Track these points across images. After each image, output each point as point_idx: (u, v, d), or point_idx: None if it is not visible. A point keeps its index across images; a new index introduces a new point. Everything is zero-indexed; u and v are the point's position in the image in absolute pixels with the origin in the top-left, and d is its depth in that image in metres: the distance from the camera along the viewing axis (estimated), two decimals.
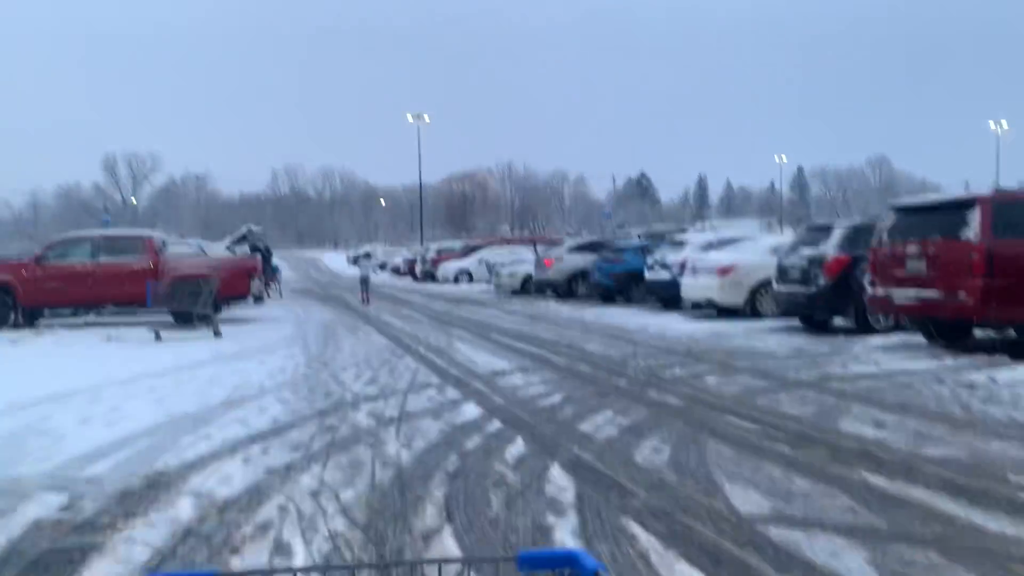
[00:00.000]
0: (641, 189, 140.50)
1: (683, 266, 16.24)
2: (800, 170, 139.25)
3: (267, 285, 25.68)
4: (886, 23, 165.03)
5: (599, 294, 20.36)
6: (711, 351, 10.03)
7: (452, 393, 7.27)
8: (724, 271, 14.28)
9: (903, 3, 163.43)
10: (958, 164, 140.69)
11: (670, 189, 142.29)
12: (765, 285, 14.22)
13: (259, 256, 17.52)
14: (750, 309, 14.27)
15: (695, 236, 17.76)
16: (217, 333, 12.53)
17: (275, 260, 26.57)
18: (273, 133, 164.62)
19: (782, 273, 12.59)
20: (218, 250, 18.68)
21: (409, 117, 63.58)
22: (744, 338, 11.47)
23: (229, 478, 4.59)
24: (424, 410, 6.50)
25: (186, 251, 15.78)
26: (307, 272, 54.37)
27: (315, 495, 4.25)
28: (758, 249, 14.70)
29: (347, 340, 12.20)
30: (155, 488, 4.44)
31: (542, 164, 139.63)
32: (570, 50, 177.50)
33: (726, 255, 14.70)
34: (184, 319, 13.36)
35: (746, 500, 4.10)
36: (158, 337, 12.25)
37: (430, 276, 33.95)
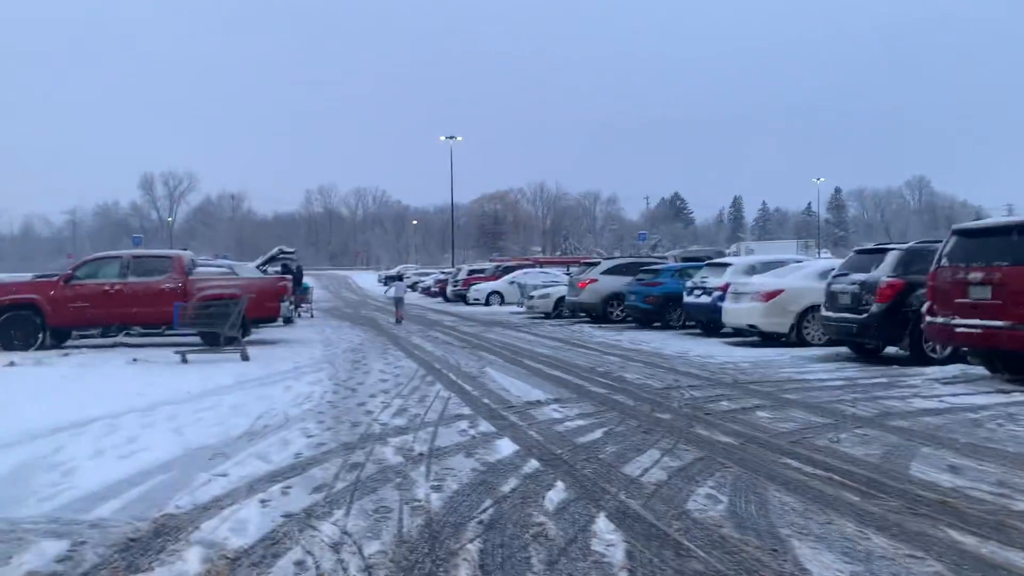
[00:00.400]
0: (675, 209, 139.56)
1: (725, 290, 15.71)
2: (838, 191, 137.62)
3: (298, 306, 25.54)
4: (925, 44, 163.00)
5: (635, 318, 19.84)
6: (759, 382, 9.48)
7: (485, 426, 6.83)
8: (769, 296, 13.71)
9: (941, 25, 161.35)
10: (999, 187, 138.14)
11: (704, 210, 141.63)
12: (812, 311, 13.67)
13: (290, 277, 17.29)
14: (796, 336, 13.67)
15: (737, 259, 17.20)
16: (245, 356, 12.24)
17: (306, 280, 26.37)
18: (308, 154, 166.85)
19: (831, 299, 12.01)
20: (247, 270, 18.48)
21: (442, 137, 63.81)
22: (792, 367, 10.89)
23: (244, 524, 4.20)
24: (456, 446, 6.07)
25: (215, 271, 15.59)
26: (338, 292, 54.43)
27: (336, 547, 3.84)
28: (804, 273, 14.12)
29: (376, 364, 11.83)
30: (163, 535, 4.06)
31: (574, 184, 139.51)
32: (602, 70, 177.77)
33: (771, 279, 14.13)
34: (212, 341, 13.12)
35: (820, 564, 3.60)
36: (184, 360, 12.00)
37: (461, 297, 33.64)
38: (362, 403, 8.20)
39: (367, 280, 75.75)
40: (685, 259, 28.62)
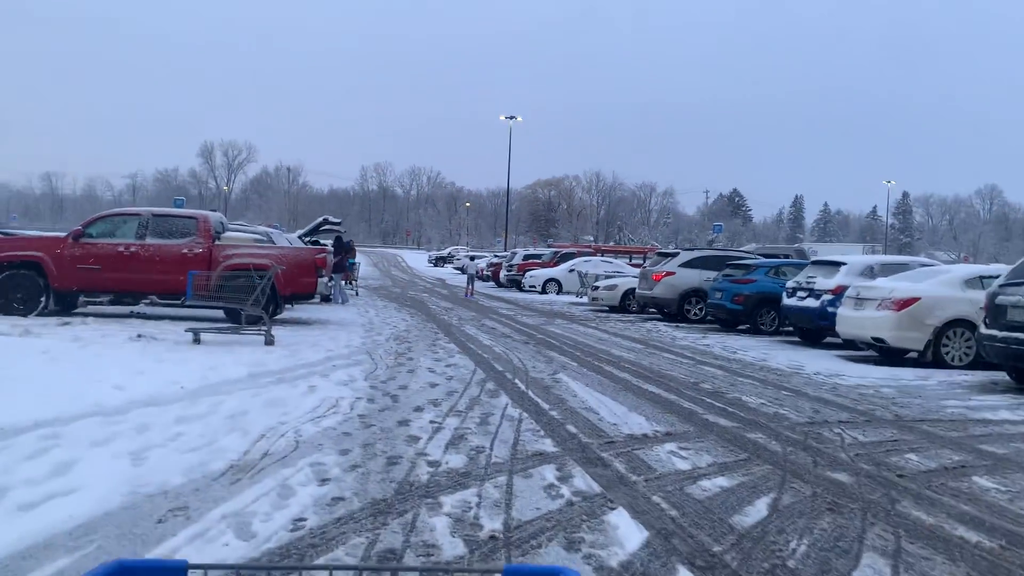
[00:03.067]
0: (733, 206, 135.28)
1: (837, 294, 13.22)
2: (905, 196, 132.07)
3: (349, 283, 23.70)
4: (996, 48, 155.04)
5: (718, 319, 17.40)
6: (930, 420, 7.08)
7: (582, 480, 4.61)
8: (903, 304, 11.20)
9: (1015, 28, 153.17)
10: None
11: (763, 208, 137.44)
12: (954, 326, 11.15)
13: (331, 249, 15.29)
14: (931, 355, 11.16)
15: (852, 258, 14.65)
16: (269, 340, 10.22)
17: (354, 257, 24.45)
18: (365, 131, 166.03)
19: (996, 313, 9.49)
20: (288, 240, 16.53)
21: (502, 117, 61.54)
22: (953, 399, 8.44)
23: None
24: (545, 520, 3.87)
25: (247, 236, 13.61)
26: (388, 270, 52.68)
27: None
28: (944, 280, 11.55)
29: (424, 360, 9.70)
30: None
31: (630, 175, 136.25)
32: (664, 62, 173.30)
33: (904, 284, 11.60)
34: (236, 318, 11.17)
35: None
36: (197, 339, 10.03)
37: (515, 283, 31.41)
38: (404, 421, 6.04)
39: (417, 260, 74.04)
40: (762, 256, 25.97)
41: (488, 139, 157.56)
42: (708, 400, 7.63)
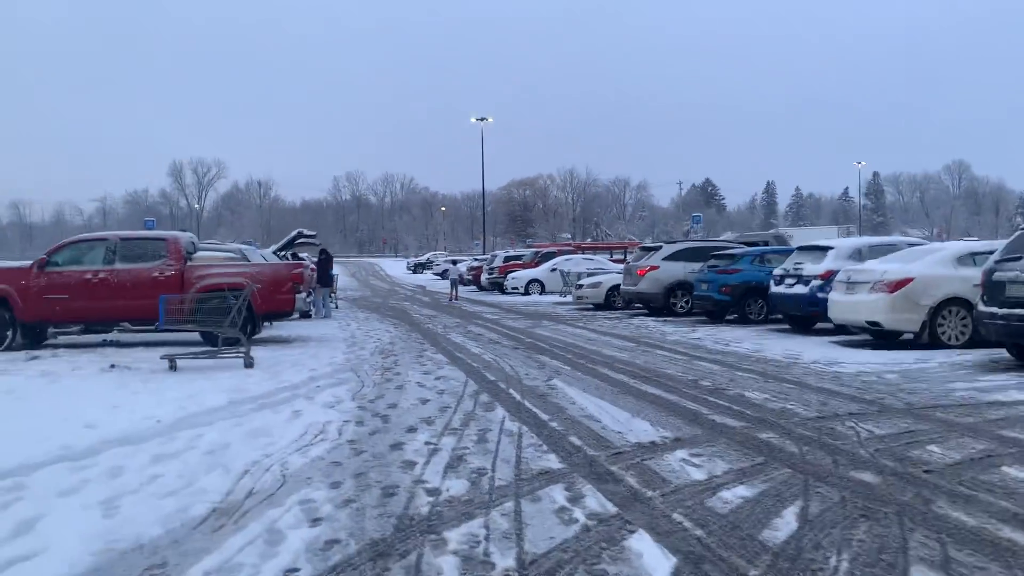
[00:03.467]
0: (706, 196, 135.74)
1: (827, 279, 13.03)
2: (876, 176, 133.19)
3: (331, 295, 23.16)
4: (962, 25, 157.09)
5: (706, 310, 17.17)
6: (943, 407, 6.83)
7: (594, 499, 4.28)
8: (896, 286, 10.99)
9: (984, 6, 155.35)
10: None
11: (736, 196, 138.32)
12: (948, 305, 10.96)
13: (308, 263, 14.87)
14: (928, 335, 10.96)
15: (840, 242, 14.42)
16: (249, 363, 9.82)
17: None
18: (335, 141, 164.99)
19: (993, 290, 9.29)
20: (262, 255, 16.09)
21: (473, 119, 61.24)
22: (960, 381, 8.21)
23: None
24: (561, 551, 3.53)
25: (220, 255, 13.16)
26: (366, 280, 52.16)
27: None
28: (937, 259, 11.36)
29: (412, 374, 9.33)
30: None
31: (604, 171, 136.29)
32: (632, 54, 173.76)
33: (896, 266, 11.39)
34: (214, 341, 10.74)
35: None
36: (173, 366, 9.61)
37: (497, 286, 31.05)
38: (397, 444, 5.68)
39: (396, 268, 73.47)
40: (742, 244, 25.80)
41: (460, 142, 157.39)
42: (711, 399, 7.33)
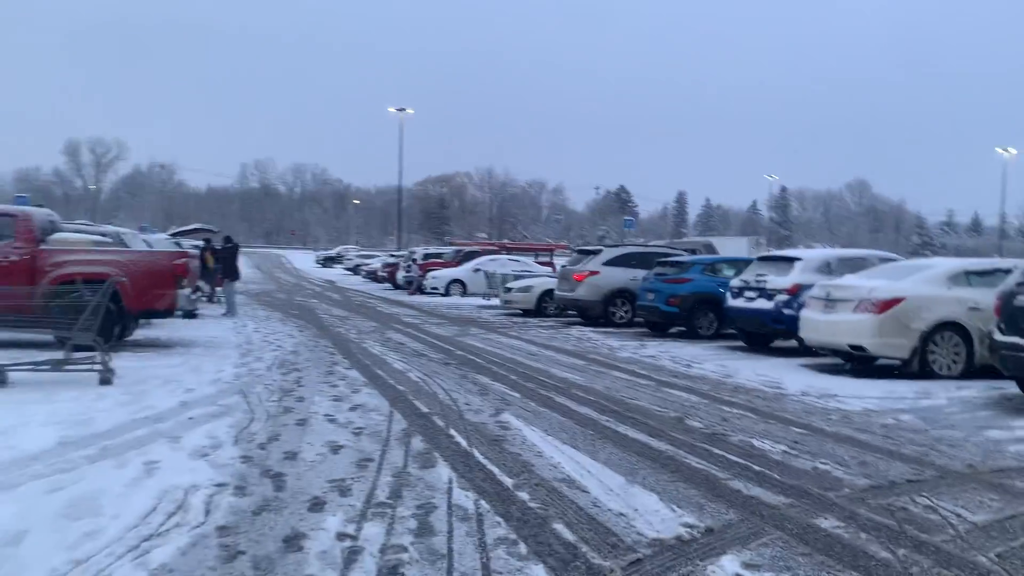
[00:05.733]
0: (620, 202, 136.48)
1: (794, 293, 11.65)
2: (783, 190, 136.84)
3: (213, 292, 20.71)
4: (862, 49, 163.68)
5: (650, 322, 15.64)
6: (1005, 471, 5.32)
7: None
8: (884, 306, 9.62)
9: (880, 31, 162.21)
10: (935, 191, 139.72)
11: (648, 203, 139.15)
12: (941, 330, 9.68)
13: (193, 252, 12.56)
14: (918, 364, 9.64)
15: (808, 253, 13.08)
16: (106, 378, 7.59)
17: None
18: (244, 126, 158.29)
19: (1015, 318, 7.96)
20: (146, 242, 13.61)
21: (391, 109, 58.81)
22: (997, 428, 6.79)
23: None
24: None
25: (84, 239, 10.71)
26: (271, 272, 48.94)
27: None
28: (929, 277, 10.06)
29: (320, 399, 7.30)
30: None
31: (522, 172, 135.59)
32: (551, 57, 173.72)
33: (884, 283, 10.03)
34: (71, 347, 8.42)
35: None
36: (2, 381, 7.31)
37: (415, 285, 28.93)
38: (295, 537, 3.71)
39: (304, 261, 70.01)
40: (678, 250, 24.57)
41: (376, 135, 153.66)
42: (715, 451, 5.62)
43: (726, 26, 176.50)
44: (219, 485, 4.46)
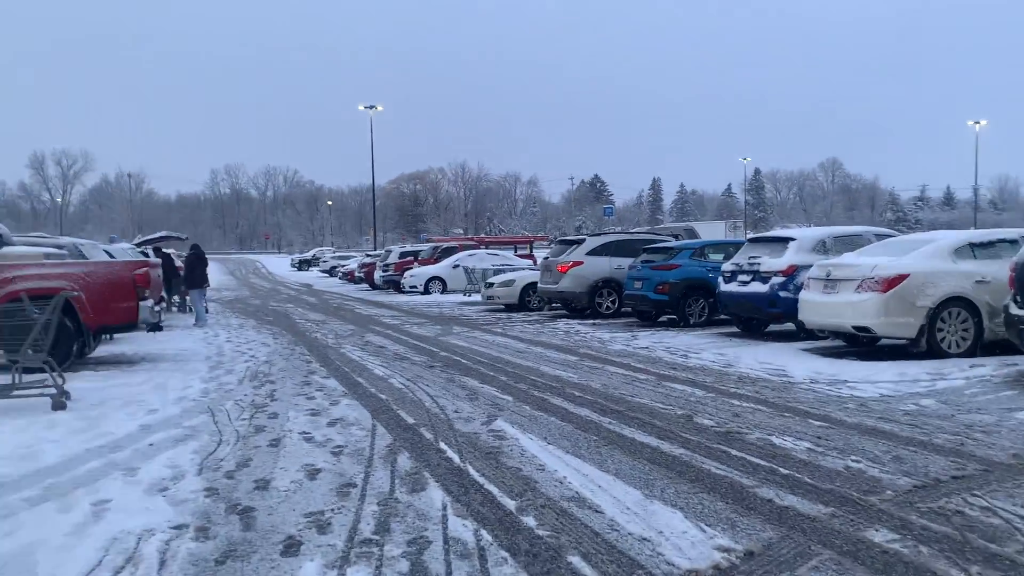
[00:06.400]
0: (595, 192, 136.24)
1: (790, 275, 11.20)
2: (757, 172, 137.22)
3: (184, 300, 20.07)
4: (835, 28, 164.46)
5: (638, 311, 15.15)
6: None
7: None
8: (889, 284, 9.17)
9: (849, 9, 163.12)
10: (907, 167, 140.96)
11: (624, 192, 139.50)
12: (948, 306, 9.23)
13: (155, 262, 11.86)
14: (926, 343, 9.19)
15: (801, 232, 12.58)
16: (59, 402, 6.93)
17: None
18: (213, 131, 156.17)
19: None
20: (102, 252, 12.86)
21: (361, 107, 57.78)
22: (1011, 399, 6.32)
23: None
24: None
25: (35, 252, 9.96)
26: (246, 278, 47.99)
27: None
28: (932, 251, 9.60)
29: (295, 415, 6.69)
30: None
31: (496, 165, 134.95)
32: (520, 50, 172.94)
33: (886, 260, 9.57)
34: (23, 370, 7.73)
35: None
36: None
37: (393, 284, 28.28)
38: None
39: (279, 265, 68.94)
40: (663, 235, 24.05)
41: (348, 135, 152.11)
42: (734, 453, 5.10)
43: (691, 12, 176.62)
44: (178, 528, 3.85)
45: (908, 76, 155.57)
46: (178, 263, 20.72)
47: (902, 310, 9.19)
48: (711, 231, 44.21)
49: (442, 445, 5.44)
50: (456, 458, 5.08)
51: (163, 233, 22.99)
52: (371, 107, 57.71)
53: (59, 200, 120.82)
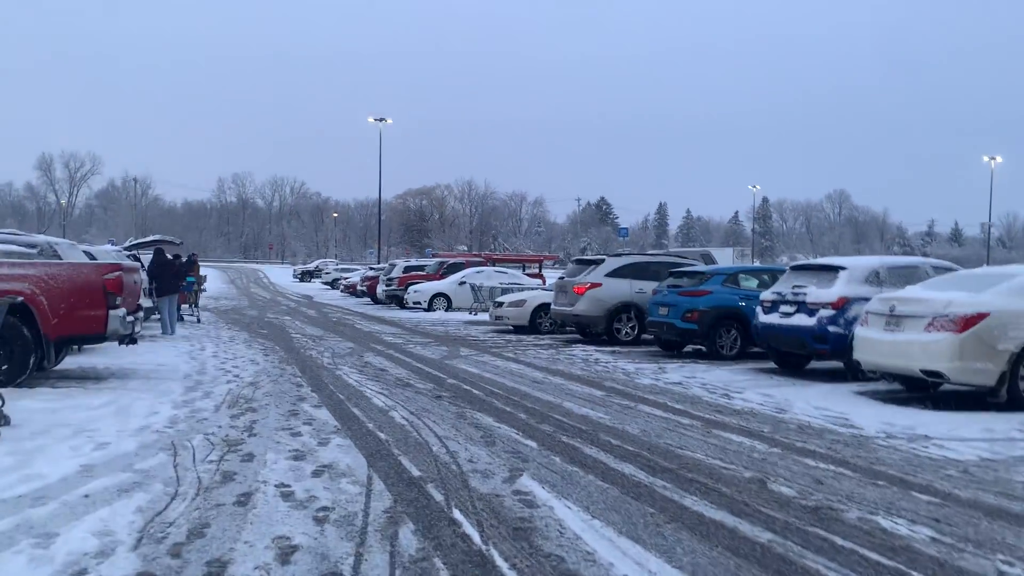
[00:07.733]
0: (601, 214, 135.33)
1: (839, 308, 10.02)
2: (765, 201, 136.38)
3: (188, 304, 19.02)
4: (845, 61, 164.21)
5: (662, 340, 13.94)
6: None
7: None
8: (968, 323, 7.97)
9: (863, 42, 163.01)
10: (913, 202, 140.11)
11: (629, 215, 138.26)
12: None
13: (133, 265, 10.68)
14: (1007, 392, 7.99)
15: (852, 261, 11.32)
16: None
17: (191, 274, 19.51)
18: (222, 140, 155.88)
19: None
20: (81, 253, 11.69)
21: (371, 119, 56.90)
22: None
23: None
24: None
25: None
26: (246, 287, 46.83)
27: None
28: (1014, 287, 8.42)
29: (274, 458, 5.49)
30: None
31: (502, 184, 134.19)
32: (532, 69, 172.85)
33: (962, 296, 8.37)
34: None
35: None
36: None
37: (395, 299, 27.08)
38: None
39: (282, 275, 67.79)
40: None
41: (356, 149, 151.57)
42: (835, 540, 3.90)
43: (707, 38, 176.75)
44: None
45: (921, 110, 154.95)
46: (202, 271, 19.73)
47: (980, 354, 7.98)
48: (720, 258, 43.03)
49: (456, 514, 4.25)
50: (476, 536, 3.88)
51: (155, 237, 21.91)
52: (380, 119, 56.91)
53: (63, 202, 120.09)
